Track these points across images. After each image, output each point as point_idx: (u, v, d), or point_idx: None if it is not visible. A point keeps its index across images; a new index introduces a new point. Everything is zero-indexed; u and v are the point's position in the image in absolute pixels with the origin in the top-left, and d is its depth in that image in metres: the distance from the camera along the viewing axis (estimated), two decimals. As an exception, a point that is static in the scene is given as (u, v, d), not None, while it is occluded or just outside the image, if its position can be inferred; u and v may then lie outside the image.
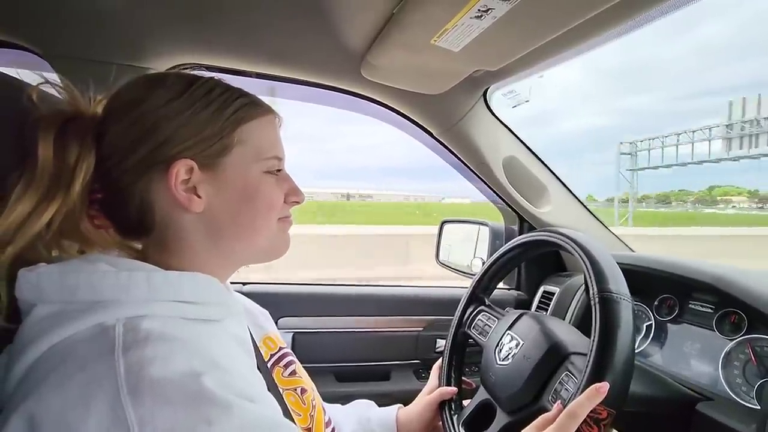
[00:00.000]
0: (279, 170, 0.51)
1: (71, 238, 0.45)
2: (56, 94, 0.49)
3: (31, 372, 0.36)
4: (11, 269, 0.40)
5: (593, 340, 0.54)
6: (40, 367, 0.36)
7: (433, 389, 0.78)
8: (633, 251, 1.22)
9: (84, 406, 0.32)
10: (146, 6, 0.78)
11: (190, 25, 0.84)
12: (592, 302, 0.57)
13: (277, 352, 0.60)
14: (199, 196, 0.46)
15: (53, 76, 0.50)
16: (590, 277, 0.59)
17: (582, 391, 0.50)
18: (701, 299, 0.85)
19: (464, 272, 1.36)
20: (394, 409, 0.75)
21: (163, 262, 0.46)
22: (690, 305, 0.87)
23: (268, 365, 0.57)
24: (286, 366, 0.60)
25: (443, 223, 1.50)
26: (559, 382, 0.59)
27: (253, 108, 0.50)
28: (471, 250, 1.38)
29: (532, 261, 1.30)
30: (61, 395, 0.33)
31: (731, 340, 0.76)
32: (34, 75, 0.49)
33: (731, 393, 0.72)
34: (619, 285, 0.57)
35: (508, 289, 1.36)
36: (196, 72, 0.51)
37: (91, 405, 0.32)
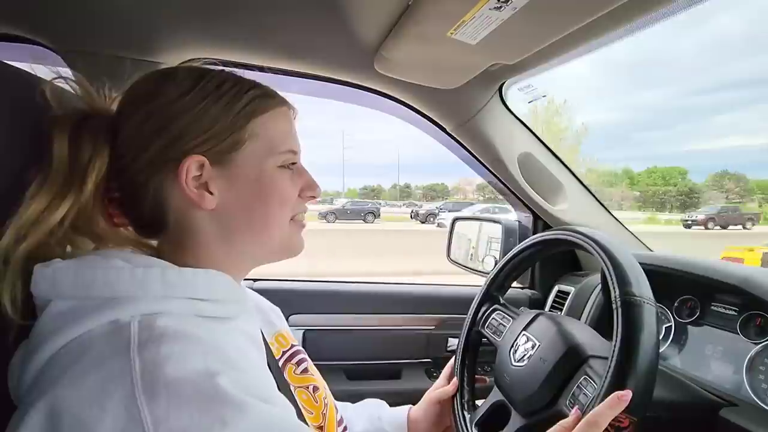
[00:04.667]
0: (294, 164, 0.51)
1: (85, 235, 0.45)
2: (70, 89, 0.49)
3: (48, 367, 0.36)
4: (25, 265, 0.40)
5: (615, 345, 0.52)
6: (56, 362, 0.36)
7: (439, 388, 0.77)
8: (651, 250, 1.19)
9: (100, 405, 0.32)
10: (159, 1, 0.77)
11: (202, 20, 0.83)
12: (614, 305, 0.55)
13: (288, 350, 0.60)
14: (211, 193, 0.46)
15: (67, 72, 0.50)
16: (612, 280, 0.56)
17: (602, 398, 0.49)
18: (724, 301, 0.82)
19: (476, 270, 1.35)
20: (405, 408, 0.74)
21: (178, 259, 0.46)
22: (712, 307, 0.84)
23: (280, 363, 0.57)
24: (298, 363, 0.59)
25: (455, 220, 1.48)
26: (578, 386, 0.57)
27: (266, 100, 0.49)
28: (483, 248, 1.37)
29: (546, 259, 1.28)
30: (77, 392, 0.33)
31: (756, 343, 0.73)
32: (48, 70, 0.49)
33: (756, 399, 0.69)
34: (642, 288, 0.55)
35: (522, 288, 1.34)
36: (211, 67, 0.50)
37: (107, 403, 0.32)
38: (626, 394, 0.47)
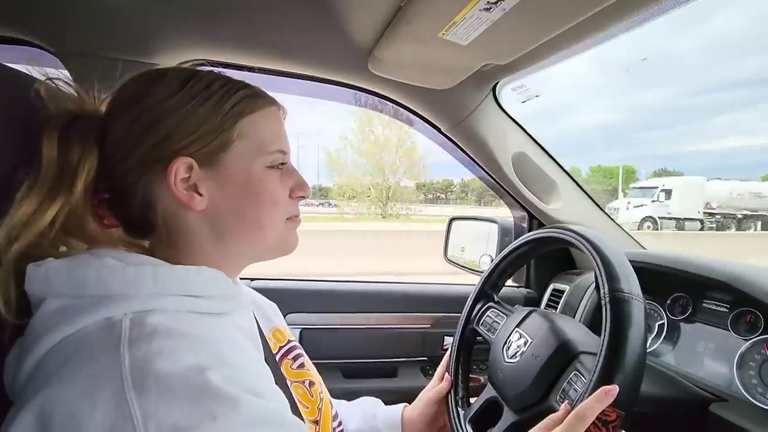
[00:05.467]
0: (283, 164, 0.51)
1: (76, 236, 0.45)
2: (64, 90, 0.49)
3: (42, 365, 0.36)
4: (18, 265, 0.41)
5: (603, 341, 0.52)
6: (50, 361, 0.36)
7: (433, 388, 0.77)
8: (644, 248, 1.20)
9: (90, 401, 0.32)
10: (154, 2, 0.78)
11: (196, 21, 0.84)
12: (603, 302, 0.55)
13: (285, 345, 0.60)
14: (200, 194, 0.46)
15: (55, 72, 0.50)
16: (601, 276, 0.57)
17: (591, 392, 0.49)
18: (716, 298, 0.83)
19: (472, 269, 1.35)
20: (400, 407, 0.75)
21: (171, 258, 0.46)
22: (704, 304, 0.85)
23: (277, 358, 0.57)
24: (295, 359, 0.60)
25: (451, 220, 1.49)
26: (568, 382, 0.58)
27: (254, 100, 0.49)
28: (479, 247, 1.37)
29: (541, 258, 1.29)
30: (69, 389, 0.33)
31: (747, 340, 0.74)
32: (43, 72, 0.49)
33: (746, 394, 0.70)
34: (630, 284, 0.56)
35: (517, 287, 1.35)
36: (201, 68, 0.50)
37: (97, 399, 0.32)
38: (613, 389, 0.48)
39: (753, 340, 0.73)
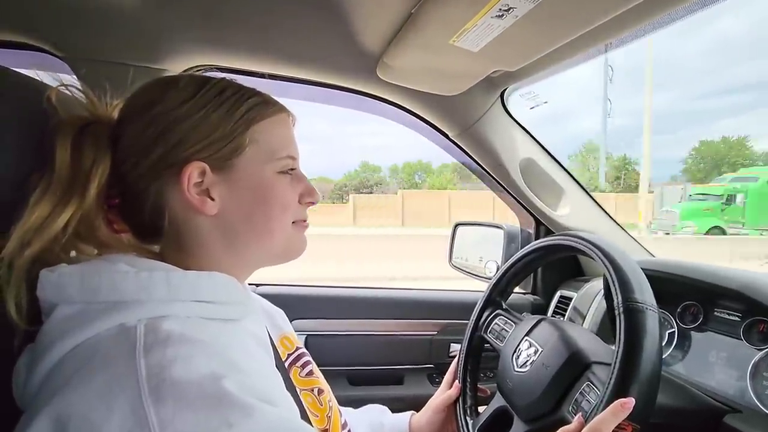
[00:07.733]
0: (293, 170, 0.51)
1: (87, 241, 0.46)
2: (75, 96, 0.49)
3: (55, 372, 0.36)
4: (30, 271, 0.41)
5: (617, 352, 0.52)
6: (63, 367, 0.36)
7: (441, 395, 0.76)
8: (653, 256, 1.19)
9: (107, 407, 0.32)
10: (163, 8, 0.78)
11: (205, 27, 0.84)
12: (617, 312, 0.55)
13: (294, 352, 0.60)
14: (212, 199, 0.46)
15: (72, 78, 0.50)
16: (614, 286, 0.56)
17: (605, 405, 0.49)
18: (727, 306, 0.82)
19: (478, 275, 1.35)
20: (407, 415, 0.74)
21: (181, 263, 0.46)
22: (715, 313, 0.84)
23: (286, 365, 0.57)
24: (303, 366, 0.59)
25: (456, 225, 1.48)
26: (580, 393, 0.57)
27: (265, 107, 0.49)
28: (485, 253, 1.36)
29: (548, 265, 1.28)
30: (84, 396, 0.33)
31: (760, 349, 0.73)
32: (54, 77, 0.50)
33: (761, 405, 0.69)
34: (645, 294, 0.55)
35: (524, 294, 1.34)
36: (211, 74, 0.51)
37: (114, 406, 0.32)
38: (629, 402, 0.47)
39: (767, 349, 0.72)
